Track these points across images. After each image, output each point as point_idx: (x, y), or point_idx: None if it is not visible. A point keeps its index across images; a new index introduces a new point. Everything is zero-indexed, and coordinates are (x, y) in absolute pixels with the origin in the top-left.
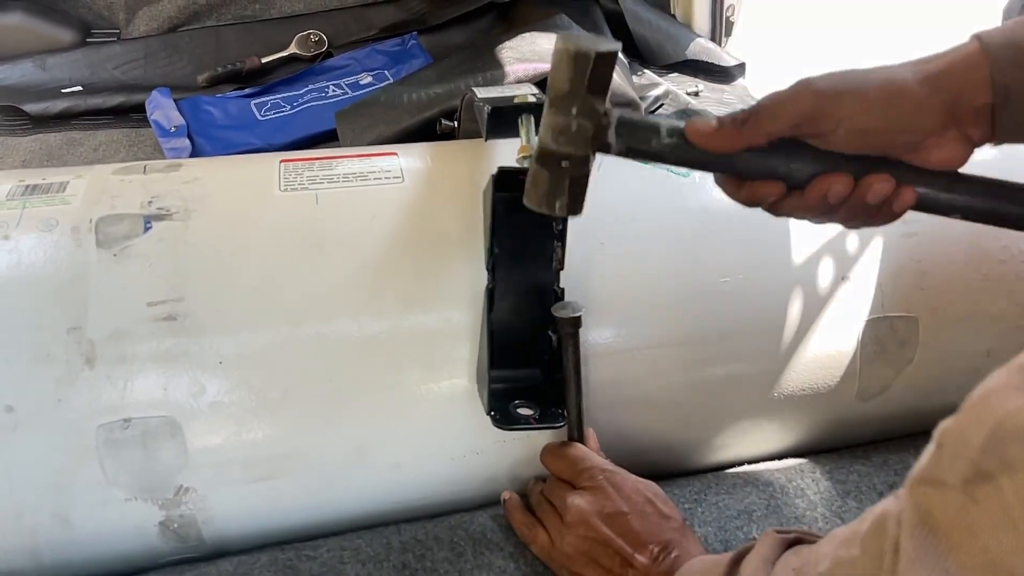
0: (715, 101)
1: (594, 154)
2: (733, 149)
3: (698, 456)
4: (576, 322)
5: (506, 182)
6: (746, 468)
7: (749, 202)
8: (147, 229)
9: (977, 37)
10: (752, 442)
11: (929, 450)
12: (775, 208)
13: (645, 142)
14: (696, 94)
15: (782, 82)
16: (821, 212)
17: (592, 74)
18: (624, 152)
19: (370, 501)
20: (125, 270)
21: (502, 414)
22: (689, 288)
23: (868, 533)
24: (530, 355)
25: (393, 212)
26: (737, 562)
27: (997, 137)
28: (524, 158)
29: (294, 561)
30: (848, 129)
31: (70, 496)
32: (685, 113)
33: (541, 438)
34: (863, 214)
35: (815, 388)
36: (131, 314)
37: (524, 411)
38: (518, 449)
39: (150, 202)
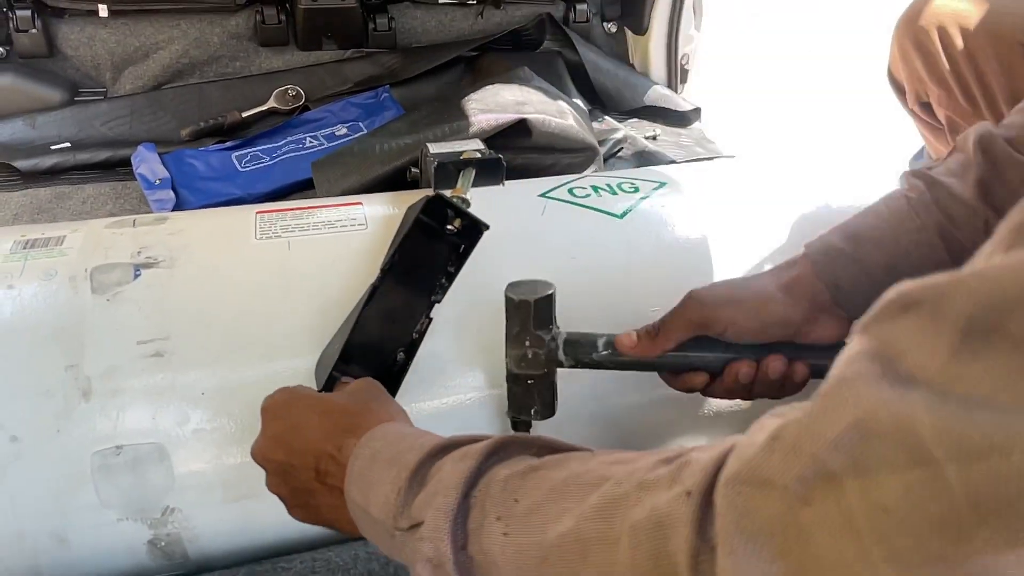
0: (672, 144)
1: (550, 371)
2: (654, 354)
3: None
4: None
5: (434, 209)
6: None
7: (685, 389)
8: (136, 276)
9: (805, 247)
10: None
11: (754, 443)
12: (706, 392)
13: (587, 355)
14: (654, 138)
15: (736, 126)
16: (740, 391)
17: (535, 315)
18: (574, 365)
19: None
20: (117, 313)
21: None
22: (623, 316)
23: (643, 530)
24: (375, 364)
25: (355, 256)
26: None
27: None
28: (455, 197)
29: (270, 573)
30: (734, 330)
31: (67, 518)
32: (642, 156)
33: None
34: (773, 388)
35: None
36: (123, 352)
37: None
38: None
39: (139, 252)
